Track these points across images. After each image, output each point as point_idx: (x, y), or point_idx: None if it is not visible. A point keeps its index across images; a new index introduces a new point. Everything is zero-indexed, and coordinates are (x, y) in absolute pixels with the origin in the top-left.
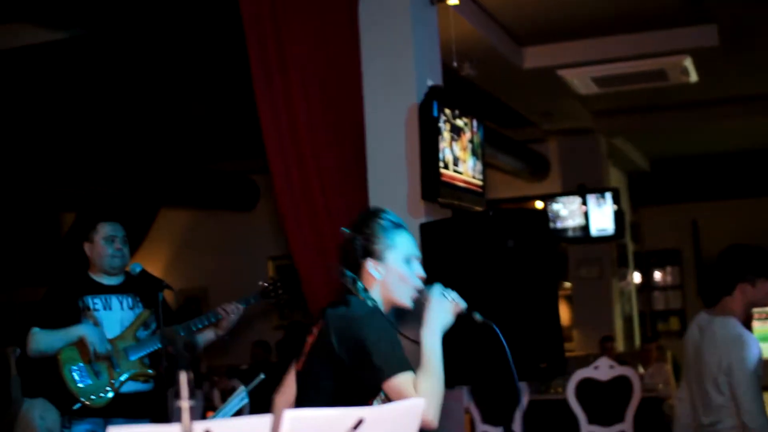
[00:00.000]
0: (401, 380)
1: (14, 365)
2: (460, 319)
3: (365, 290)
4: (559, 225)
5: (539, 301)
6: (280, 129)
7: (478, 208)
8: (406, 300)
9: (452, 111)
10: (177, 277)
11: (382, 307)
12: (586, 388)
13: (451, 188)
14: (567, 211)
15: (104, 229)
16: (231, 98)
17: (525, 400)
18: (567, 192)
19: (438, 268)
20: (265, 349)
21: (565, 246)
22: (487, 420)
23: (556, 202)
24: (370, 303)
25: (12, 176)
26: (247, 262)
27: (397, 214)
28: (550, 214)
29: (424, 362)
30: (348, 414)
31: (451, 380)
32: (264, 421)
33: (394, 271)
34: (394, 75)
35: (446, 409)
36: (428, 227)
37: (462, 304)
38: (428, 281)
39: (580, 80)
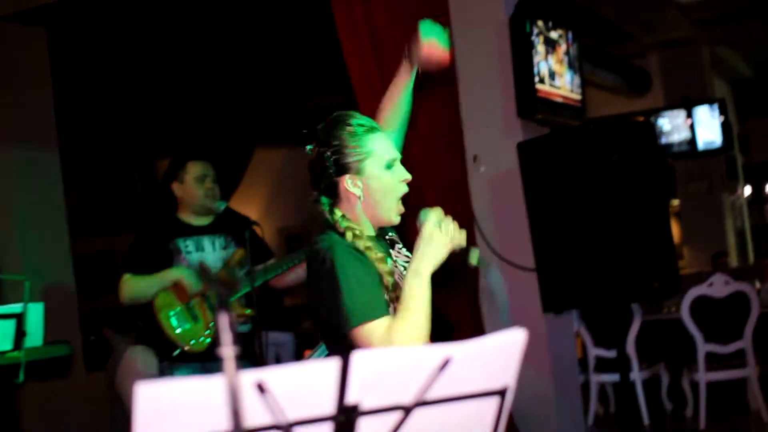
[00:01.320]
0: (368, 328)
1: None
2: (454, 257)
3: (344, 216)
4: (664, 140)
5: (648, 218)
6: (364, 57)
7: (577, 124)
8: (392, 216)
9: (545, 23)
10: (277, 217)
11: (372, 230)
12: (701, 305)
13: (548, 104)
14: (672, 126)
15: (195, 169)
16: (317, 31)
17: (638, 321)
18: (670, 106)
19: (537, 188)
20: None
21: (671, 162)
22: (599, 343)
23: (660, 117)
24: (347, 233)
25: (106, 123)
26: None
27: (493, 134)
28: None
29: (401, 306)
30: (432, 352)
31: (559, 305)
32: (330, 365)
33: (376, 183)
34: None
35: (556, 333)
36: (526, 146)
37: (460, 240)
38: (531, 203)
39: None
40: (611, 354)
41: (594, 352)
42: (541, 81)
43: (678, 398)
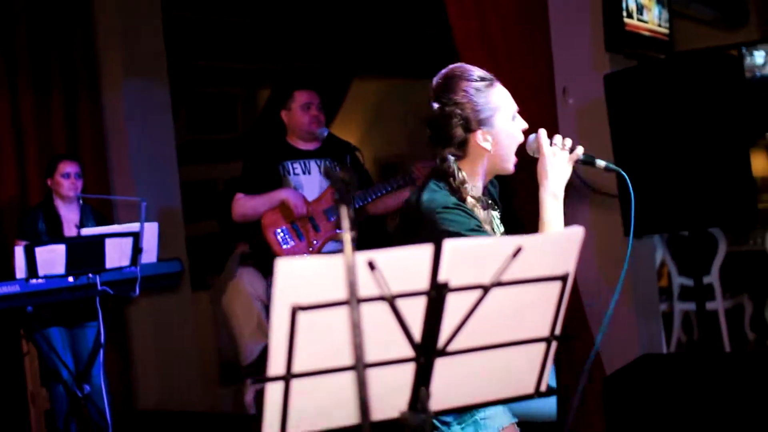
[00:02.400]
0: None
1: None
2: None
3: (464, 181)
4: (759, 74)
5: (730, 151)
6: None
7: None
8: (511, 165)
9: None
10: (372, 147)
11: (481, 180)
12: None
13: (636, 38)
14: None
15: (301, 97)
16: None
17: (722, 251)
18: (766, 38)
19: (622, 118)
20: None
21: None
22: (683, 272)
23: (756, 50)
24: (463, 192)
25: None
26: None
27: (582, 66)
28: (749, 62)
29: (543, 229)
30: (507, 242)
31: (639, 229)
32: (426, 250)
33: (505, 135)
34: None
35: (637, 259)
36: (612, 78)
37: (578, 150)
38: (616, 134)
39: None
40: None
41: (678, 280)
42: (630, 15)
43: (761, 328)
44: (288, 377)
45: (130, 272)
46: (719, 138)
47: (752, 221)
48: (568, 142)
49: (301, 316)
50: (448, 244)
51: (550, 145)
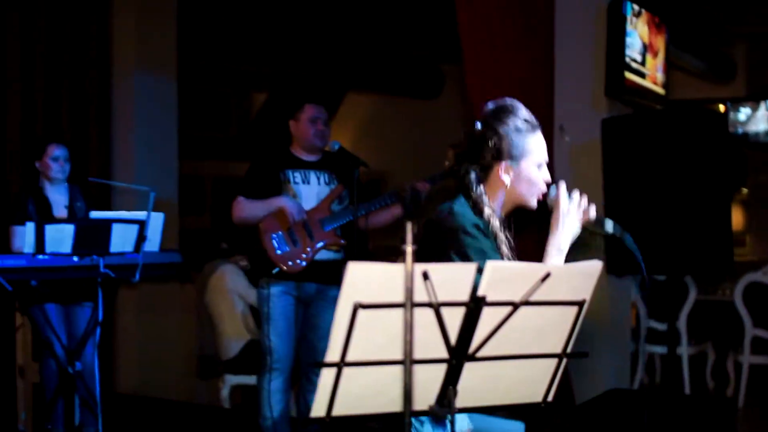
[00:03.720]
0: None
1: None
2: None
3: (482, 195)
4: (741, 130)
5: (712, 202)
6: (474, 20)
7: (659, 108)
8: (531, 203)
9: (641, 11)
10: None
11: (499, 212)
12: (754, 291)
13: (634, 88)
14: (750, 116)
15: (310, 110)
16: None
17: (692, 299)
18: (752, 96)
19: (615, 161)
20: None
21: (746, 151)
22: (653, 315)
23: (741, 106)
24: (485, 210)
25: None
26: (427, 149)
27: (581, 108)
28: (732, 118)
29: None
30: (539, 268)
31: (621, 269)
32: (470, 268)
33: (525, 177)
34: None
35: (614, 299)
36: (609, 122)
37: (591, 212)
38: (608, 176)
39: None
40: (663, 327)
41: (647, 323)
42: (630, 66)
43: (721, 378)
44: (341, 365)
45: (132, 258)
46: (703, 189)
47: (728, 272)
48: (585, 200)
49: (361, 313)
50: (490, 264)
51: (569, 199)
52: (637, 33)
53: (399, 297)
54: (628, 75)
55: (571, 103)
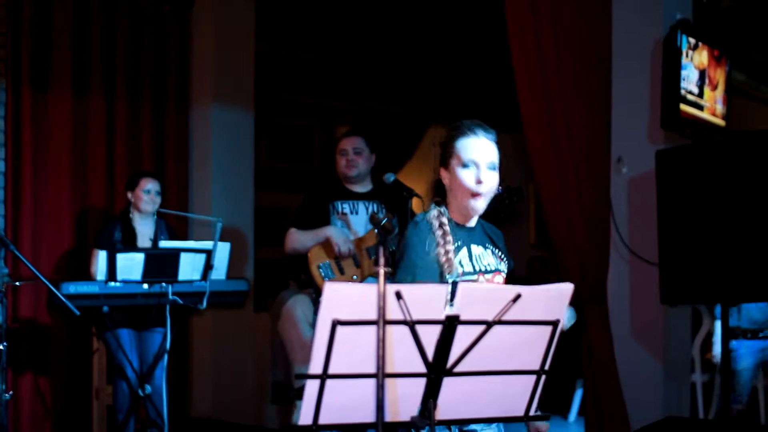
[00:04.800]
0: None
1: None
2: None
3: (437, 203)
4: None
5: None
6: (528, 59)
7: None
8: (468, 212)
9: (699, 43)
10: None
11: (458, 212)
12: None
13: (691, 118)
14: None
15: (340, 143)
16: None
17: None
18: None
19: (669, 192)
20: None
21: None
22: None
23: None
24: (422, 216)
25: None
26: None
27: (637, 140)
28: None
29: None
30: (510, 289)
31: (674, 298)
32: (443, 288)
33: (454, 179)
34: (643, 9)
35: (672, 326)
36: (663, 154)
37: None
38: (662, 207)
39: None
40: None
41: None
42: (686, 99)
43: None
44: (324, 377)
45: (199, 286)
46: (757, 218)
47: None
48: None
49: (340, 330)
50: (461, 285)
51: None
52: (694, 65)
53: (375, 314)
54: (684, 107)
55: (629, 135)
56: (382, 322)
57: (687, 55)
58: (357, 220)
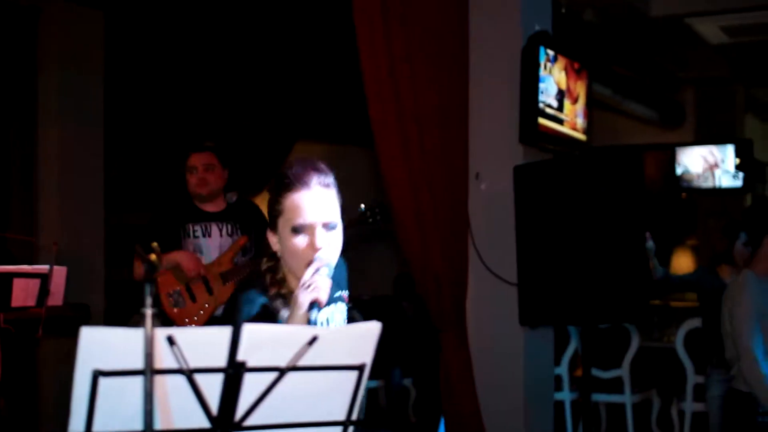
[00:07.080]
0: None
1: None
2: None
3: (272, 269)
4: (686, 175)
5: (626, 249)
6: (378, 65)
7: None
8: (298, 273)
9: (558, 55)
10: None
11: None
12: (694, 338)
13: (549, 134)
14: (697, 162)
15: (189, 160)
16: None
17: (635, 345)
18: (696, 141)
19: (527, 209)
20: None
21: (694, 197)
22: (595, 364)
23: (688, 152)
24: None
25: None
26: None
27: (495, 155)
28: (678, 165)
29: None
30: (303, 331)
31: (534, 319)
32: (224, 331)
33: (283, 245)
34: (500, 20)
35: (533, 348)
36: (520, 169)
37: (322, 294)
38: (520, 223)
39: (709, 29)
40: (607, 375)
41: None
42: (545, 112)
43: (666, 426)
44: None
45: (35, 313)
46: (618, 235)
47: (645, 318)
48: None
49: (102, 381)
50: (246, 327)
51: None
52: (553, 78)
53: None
54: (543, 121)
55: (487, 150)
56: (149, 371)
57: (545, 68)
58: (210, 243)
